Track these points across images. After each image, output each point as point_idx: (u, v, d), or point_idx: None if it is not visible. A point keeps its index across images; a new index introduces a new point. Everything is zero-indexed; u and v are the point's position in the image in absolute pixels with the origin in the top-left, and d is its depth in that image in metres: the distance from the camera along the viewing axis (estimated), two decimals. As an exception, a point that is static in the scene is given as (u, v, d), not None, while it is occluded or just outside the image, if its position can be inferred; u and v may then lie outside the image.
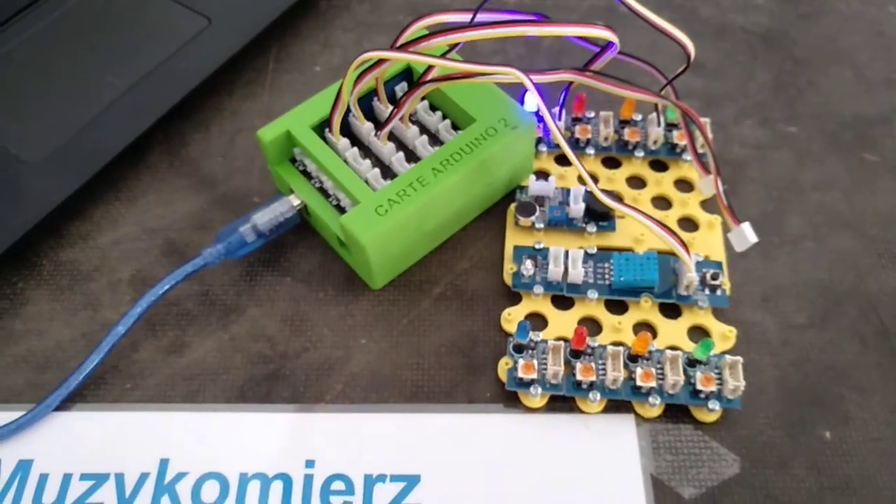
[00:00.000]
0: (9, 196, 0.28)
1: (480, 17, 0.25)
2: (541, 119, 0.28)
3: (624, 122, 0.29)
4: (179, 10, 0.33)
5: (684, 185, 0.29)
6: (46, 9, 0.33)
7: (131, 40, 0.32)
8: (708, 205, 0.28)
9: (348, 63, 0.33)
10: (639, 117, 0.29)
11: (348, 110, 0.27)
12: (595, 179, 0.28)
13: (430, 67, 0.25)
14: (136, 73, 0.31)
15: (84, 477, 0.23)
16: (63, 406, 0.24)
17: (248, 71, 0.33)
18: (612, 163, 0.29)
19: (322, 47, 0.33)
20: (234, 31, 0.32)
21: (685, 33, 0.25)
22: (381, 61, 0.25)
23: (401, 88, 0.28)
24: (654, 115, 0.29)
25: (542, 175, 0.29)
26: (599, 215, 0.27)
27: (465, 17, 0.26)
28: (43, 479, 0.23)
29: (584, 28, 0.24)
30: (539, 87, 0.24)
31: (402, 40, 0.25)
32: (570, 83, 0.26)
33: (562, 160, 0.29)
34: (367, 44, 0.33)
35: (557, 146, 0.29)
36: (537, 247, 0.26)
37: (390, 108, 0.28)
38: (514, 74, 0.23)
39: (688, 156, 0.29)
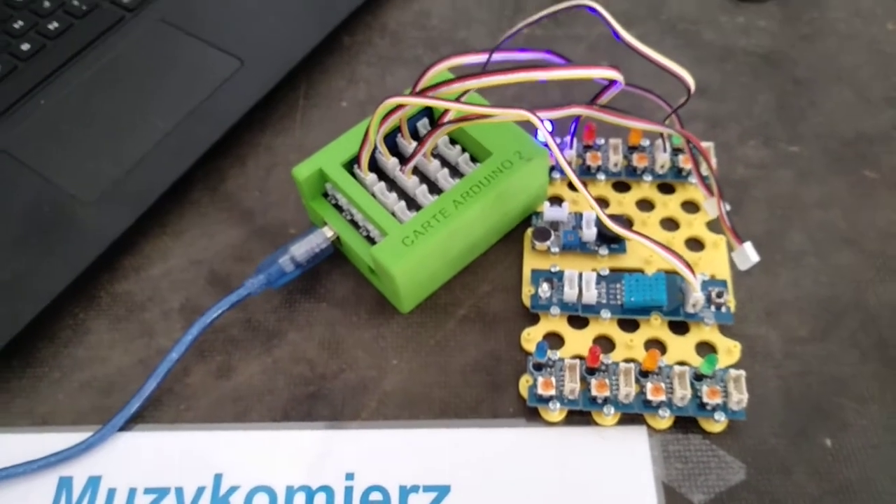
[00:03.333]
0: (68, 234, 0.30)
1: (495, 56, 0.27)
2: (547, 145, 0.29)
3: (632, 149, 0.31)
4: (214, 53, 0.35)
5: (691, 206, 0.30)
6: (93, 57, 0.36)
7: (171, 84, 0.35)
8: (713, 225, 0.30)
9: (373, 97, 0.35)
10: (646, 143, 0.31)
11: (375, 147, 0.29)
12: (606, 203, 0.31)
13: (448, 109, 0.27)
14: (177, 115, 0.33)
15: (147, 491, 0.25)
16: (126, 426, 0.27)
17: (280, 107, 0.35)
18: (622, 187, 0.31)
19: (348, 82, 0.36)
20: (265, 71, 0.35)
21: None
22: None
23: (422, 125, 0.30)
24: (661, 141, 0.31)
25: (556, 201, 0.31)
26: (611, 238, 0.29)
27: (481, 58, 0.28)
28: (111, 493, 0.25)
29: (592, 70, 0.26)
30: (551, 121, 0.26)
31: (422, 84, 0.27)
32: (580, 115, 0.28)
33: (573, 186, 0.31)
34: (389, 78, 0.36)
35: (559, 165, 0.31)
36: (553, 270, 0.28)
37: (413, 143, 0.30)
38: (525, 116, 0.25)
39: (693, 179, 0.30)
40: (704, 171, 0.30)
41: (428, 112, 0.31)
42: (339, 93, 0.35)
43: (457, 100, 0.27)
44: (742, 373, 0.25)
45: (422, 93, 0.27)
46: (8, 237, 0.30)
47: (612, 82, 0.27)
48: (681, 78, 0.27)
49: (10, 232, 0.30)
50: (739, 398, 0.25)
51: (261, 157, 0.34)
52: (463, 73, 0.27)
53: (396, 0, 0.38)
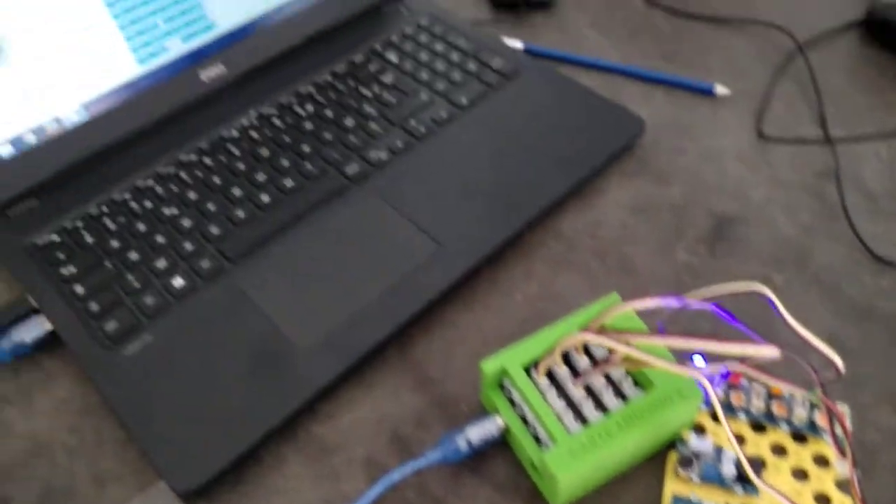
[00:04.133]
0: (285, 375, 0.37)
1: (668, 301, 0.33)
2: (706, 391, 0.34)
3: (772, 396, 0.35)
4: (417, 234, 0.42)
5: (822, 461, 0.34)
6: (318, 217, 0.43)
7: (380, 254, 0.41)
8: (842, 484, 0.33)
9: (543, 295, 0.41)
10: (787, 394, 0.35)
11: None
12: (742, 440, 0.34)
13: (625, 346, 0.33)
14: (382, 283, 0.40)
15: None
16: (312, 560, 0.32)
17: (466, 289, 0.41)
18: (758, 428, 0.35)
19: (523, 276, 0.42)
20: (459, 257, 0.41)
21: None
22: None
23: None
24: (801, 395, 0.34)
25: (699, 428, 0.35)
26: (746, 479, 0.33)
27: (657, 303, 0.33)
28: None
29: (753, 348, 0.30)
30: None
31: (604, 320, 0.33)
32: (735, 368, 0.33)
33: (716, 417, 0.35)
34: (560, 279, 0.41)
35: (712, 406, 0.35)
36: (693, 499, 0.32)
37: (584, 357, 0.35)
38: (692, 376, 0.30)
39: (827, 437, 0.34)
40: (838, 431, 0.33)
41: (598, 331, 0.36)
42: (515, 284, 0.41)
43: (632, 346, 0.32)
44: None
45: (604, 332, 0.32)
46: (237, 370, 0.37)
47: (770, 351, 0.32)
48: (833, 362, 0.31)
49: (239, 366, 0.37)
50: None
51: (445, 330, 0.39)
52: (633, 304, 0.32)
53: (572, 208, 0.44)
